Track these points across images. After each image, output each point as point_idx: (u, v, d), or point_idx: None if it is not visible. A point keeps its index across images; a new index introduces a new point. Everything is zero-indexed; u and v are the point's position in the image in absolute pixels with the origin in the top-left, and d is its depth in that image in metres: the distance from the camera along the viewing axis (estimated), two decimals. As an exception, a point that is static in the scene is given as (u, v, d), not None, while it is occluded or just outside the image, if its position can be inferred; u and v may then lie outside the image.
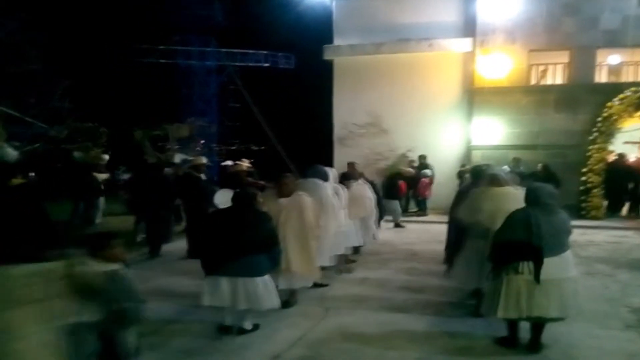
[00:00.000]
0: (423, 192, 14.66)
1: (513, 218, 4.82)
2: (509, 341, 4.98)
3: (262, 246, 5.16)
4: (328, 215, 6.69)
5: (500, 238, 4.88)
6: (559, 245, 4.67)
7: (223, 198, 5.67)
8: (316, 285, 6.97)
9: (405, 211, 14.90)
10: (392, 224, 12.76)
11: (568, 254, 4.76)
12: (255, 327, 5.45)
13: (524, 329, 4.95)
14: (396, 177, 13.33)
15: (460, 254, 6.02)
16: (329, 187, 7.12)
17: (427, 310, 6.17)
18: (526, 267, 4.62)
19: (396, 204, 12.93)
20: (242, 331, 5.34)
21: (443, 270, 7.37)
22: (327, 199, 6.79)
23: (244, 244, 5.08)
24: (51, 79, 16.85)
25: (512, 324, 4.96)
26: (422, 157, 15.12)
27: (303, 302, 6.43)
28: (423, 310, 6.18)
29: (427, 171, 14.65)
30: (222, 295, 5.13)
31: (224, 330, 5.36)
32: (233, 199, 5.42)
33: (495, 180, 5.83)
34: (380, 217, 10.87)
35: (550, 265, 4.58)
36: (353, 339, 5.23)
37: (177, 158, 13.23)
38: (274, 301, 5.28)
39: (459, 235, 6.25)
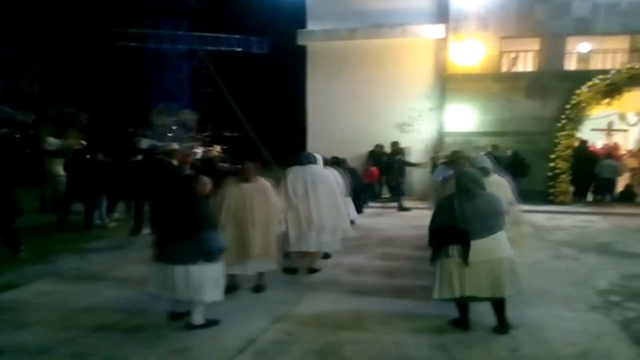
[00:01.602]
0: (396, 178, 14.76)
1: (440, 205, 5.09)
2: (460, 322, 5.13)
3: (184, 231, 4.85)
4: (336, 198, 7.15)
5: (432, 224, 5.12)
6: (487, 227, 4.82)
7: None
8: (313, 270, 7.22)
9: (378, 197, 15.03)
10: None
11: (500, 235, 4.89)
12: (211, 323, 5.13)
13: (489, 313, 5.08)
14: None
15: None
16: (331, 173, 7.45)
17: (400, 294, 6.26)
18: (455, 250, 4.81)
19: None
20: (190, 326, 5.08)
21: (424, 254, 7.51)
22: (335, 186, 7.25)
23: (168, 228, 4.97)
24: (19, 63, 16.45)
25: (462, 306, 5.12)
26: (395, 144, 15.19)
27: (278, 287, 6.47)
28: (396, 294, 6.27)
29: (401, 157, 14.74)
30: (153, 282, 5.07)
31: (174, 318, 5.21)
32: (172, 184, 5.29)
33: (484, 171, 5.95)
34: (364, 203, 10.99)
35: (479, 247, 4.74)
36: (328, 323, 5.28)
37: (145, 144, 13.02)
38: (200, 293, 4.91)
39: None
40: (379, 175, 14.89)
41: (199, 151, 13.00)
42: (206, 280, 4.93)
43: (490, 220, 4.86)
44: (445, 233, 4.90)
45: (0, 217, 7.85)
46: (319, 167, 7.26)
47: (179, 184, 5.24)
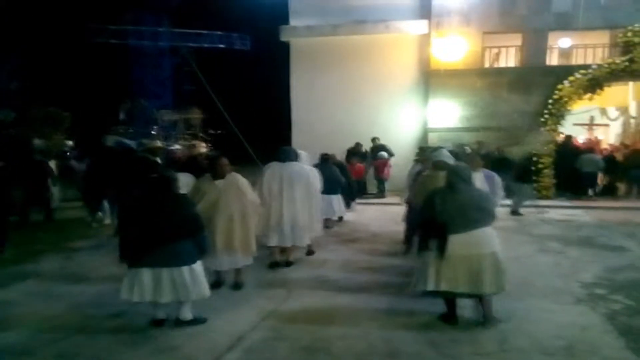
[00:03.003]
0: (380, 173, 14.79)
1: (426, 198, 5.09)
2: (448, 317, 5.14)
3: (185, 232, 4.86)
4: (312, 197, 7.15)
5: (419, 217, 5.20)
6: (468, 222, 4.79)
7: (181, 183, 5.56)
8: (289, 263, 7.29)
9: (364, 193, 15.03)
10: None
11: (482, 230, 4.86)
12: (198, 320, 5.11)
13: (477, 308, 5.10)
14: (532, 159, 12.21)
15: (416, 235, 6.19)
16: (312, 170, 7.43)
17: (387, 289, 6.26)
18: (434, 243, 4.82)
19: (525, 188, 11.89)
20: (179, 322, 5.03)
21: (403, 250, 7.62)
22: (315, 185, 7.23)
23: (165, 231, 4.78)
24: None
25: (449, 301, 5.12)
26: (376, 139, 15.17)
27: (265, 284, 6.45)
28: (384, 289, 6.26)
29: (384, 153, 14.75)
30: (143, 289, 4.81)
31: (157, 324, 5.05)
32: (149, 184, 5.07)
33: (440, 164, 5.94)
34: (352, 199, 10.98)
35: (457, 241, 4.74)
36: (316, 320, 5.26)
37: (110, 141, 12.87)
38: (203, 290, 5.01)
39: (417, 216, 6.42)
40: (365, 171, 14.91)
41: (203, 149, 12.89)
42: (201, 277, 5.03)
43: (472, 214, 4.82)
44: (426, 226, 4.94)
45: None
46: (298, 165, 7.21)
47: (156, 186, 5.03)
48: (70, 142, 13.30)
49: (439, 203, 4.83)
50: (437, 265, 4.81)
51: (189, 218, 4.94)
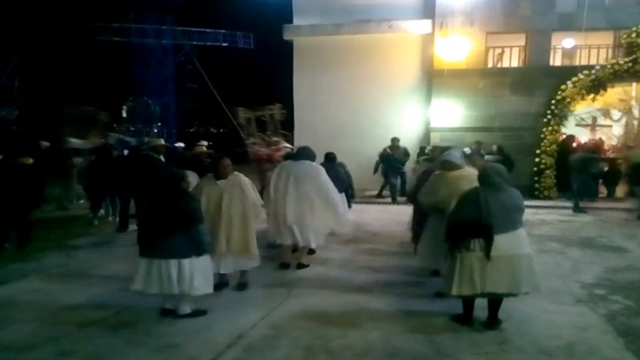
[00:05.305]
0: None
1: (464, 198, 4.99)
2: (464, 319, 5.12)
3: (177, 226, 4.96)
4: (323, 196, 6.96)
5: (453, 218, 5.03)
6: (510, 222, 4.78)
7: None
8: (300, 266, 7.18)
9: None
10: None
11: (520, 231, 4.87)
12: (198, 312, 5.27)
13: (480, 307, 5.09)
14: None
15: (423, 235, 6.17)
16: (323, 169, 7.27)
17: (388, 289, 6.26)
18: (477, 244, 4.76)
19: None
20: (177, 316, 5.20)
21: (411, 249, 7.54)
22: (325, 183, 7.04)
23: (159, 224, 4.99)
24: (0, 58, 16.24)
25: (468, 302, 5.09)
26: (396, 140, 14.66)
27: (265, 283, 6.45)
28: (384, 289, 6.26)
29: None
30: (140, 277, 5.11)
31: (166, 314, 5.25)
32: (160, 181, 5.26)
33: (448, 165, 5.88)
34: (352, 197, 10.96)
35: (501, 242, 4.71)
36: (316, 319, 5.27)
37: (111, 139, 13.01)
38: (195, 287, 5.07)
39: (421, 217, 6.39)
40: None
41: (287, 147, 12.66)
42: (196, 273, 5.08)
43: (512, 215, 4.81)
44: (467, 227, 4.82)
45: (17, 207, 8.13)
46: (308, 163, 7.11)
47: (164, 182, 5.20)
48: (103, 142, 13.50)
49: (484, 203, 4.75)
50: (481, 267, 4.76)
51: (182, 211, 5.02)
